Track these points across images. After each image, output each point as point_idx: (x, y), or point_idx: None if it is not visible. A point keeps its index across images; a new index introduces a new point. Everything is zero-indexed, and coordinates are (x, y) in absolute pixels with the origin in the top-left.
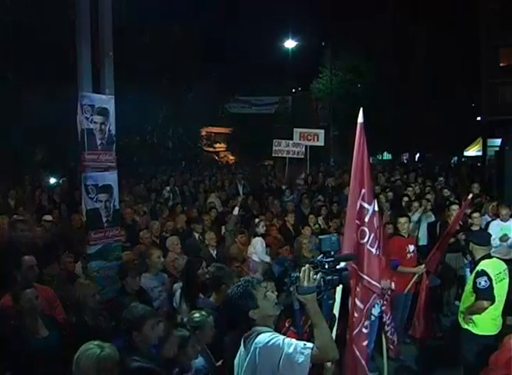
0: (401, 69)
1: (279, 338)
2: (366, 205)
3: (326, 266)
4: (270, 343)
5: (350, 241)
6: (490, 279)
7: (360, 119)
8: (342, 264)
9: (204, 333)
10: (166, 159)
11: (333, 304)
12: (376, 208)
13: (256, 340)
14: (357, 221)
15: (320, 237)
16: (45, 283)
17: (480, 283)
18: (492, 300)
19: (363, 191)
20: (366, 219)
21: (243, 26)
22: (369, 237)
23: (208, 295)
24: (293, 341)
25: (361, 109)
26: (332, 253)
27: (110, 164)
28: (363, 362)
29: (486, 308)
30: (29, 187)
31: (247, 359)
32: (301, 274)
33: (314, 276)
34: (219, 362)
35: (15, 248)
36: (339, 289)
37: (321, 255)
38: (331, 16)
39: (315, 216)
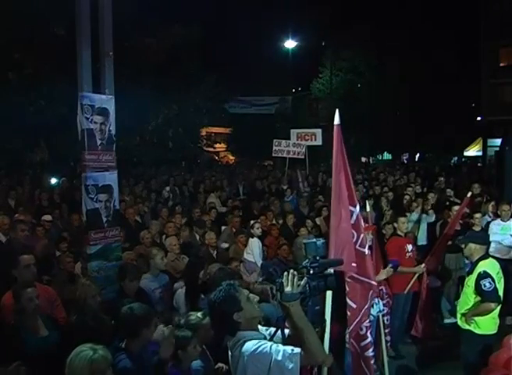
0: (401, 69)
1: (267, 345)
2: (351, 208)
3: (311, 272)
4: (258, 351)
5: (335, 246)
6: (493, 280)
7: (336, 121)
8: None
9: (199, 334)
10: (166, 159)
11: (320, 310)
12: (360, 210)
13: (243, 348)
14: (344, 224)
15: (304, 241)
16: (46, 282)
17: (485, 286)
18: (499, 301)
19: (346, 194)
20: (352, 222)
21: (243, 26)
22: (358, 238)
23: (209, 296)
24: (280, 346)
25: (337, 111)
26: (317, 258)
27: (110, 164)
28: (363, 364)
29: (493, 310)
30: (29, 187)
31: (237, 367)
32: (284, 280)
33: (298, 282)
34: (220, 365)
35: (14, 247)
36: (329, 294)
37: (306, 260)
38: (331, 16)
39: (315, 217)
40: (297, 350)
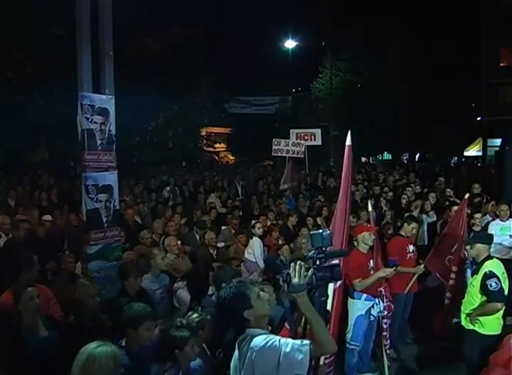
0: (401, 69)
1: (275, 339)
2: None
3: (318, 262)
4: (267, 345)
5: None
6: (499, 280)
7: (348, 142)
8: (334, 260)
9: (205, 332)
10: (166, 159)
11: (326, 301)
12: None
13: (251, 344)
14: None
15: (311, 232)
16: (46, 281)
17: (491, 286)
18: (505, 301)
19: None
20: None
21: (243, 26)
22: None
23: (211, 294)
24: (289, 340)
25: (349, 132)
26: (324, 249)
27: (110, 164)
28: None
29: (499, 310)
30: (29, 187)
31: (244, 363)
32: (291, 271)
33: (305, 273)
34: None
35: (21, 247)
36: (330, 285)
37: (313, 251)
38: (331, 16)
39: (315, 217)
40: (306, 341)
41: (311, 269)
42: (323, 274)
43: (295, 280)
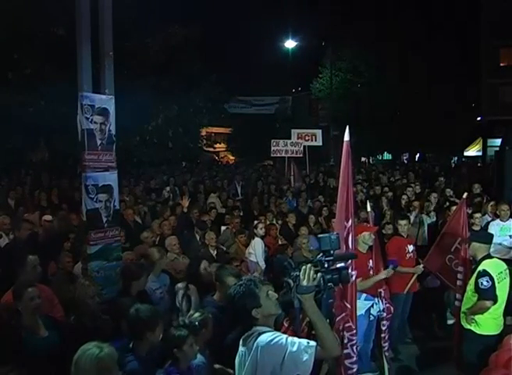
0: (401, 69)
1: (282, 337)
2: (345, 223)
3: (326, 265)
4: (273, 342)
5: None
6: (492, 279)
7: (346, 137)
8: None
9: (207, 330)
10: (166, 159)
11: (333, 303)
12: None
13: (258, 339)
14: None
15: (319, 236)
16: (46, 281)
17: (482, 284)
18: (495, 300)
19: (344, 208)
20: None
21: (243, 27)
22: None
23: (212, 294)
24: (296, 339)
25: (347, 128)
26: (332, 252)
27: (110, 164)
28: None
29: (489, 309)
30: (29, 187)
31: (249, 359)
32: (301, 273)
33: (314, 276)
34: (217, 366)
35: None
36: None
37: (321, 254)
38: (331, 15)
39: (315, 217)
40: (313, 343)
41: (319, 272)
42: (331, 277)
43: (303, 282)
